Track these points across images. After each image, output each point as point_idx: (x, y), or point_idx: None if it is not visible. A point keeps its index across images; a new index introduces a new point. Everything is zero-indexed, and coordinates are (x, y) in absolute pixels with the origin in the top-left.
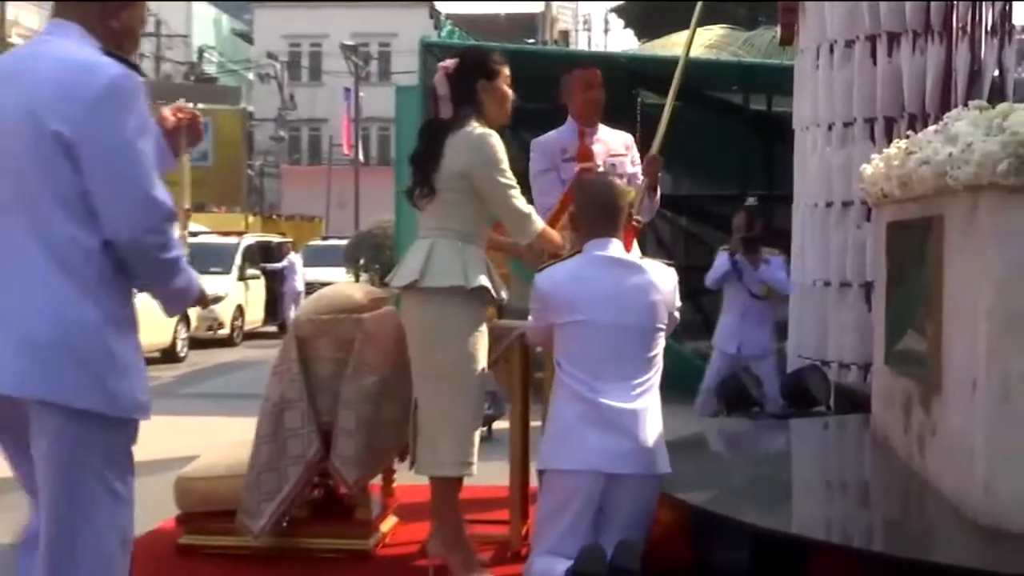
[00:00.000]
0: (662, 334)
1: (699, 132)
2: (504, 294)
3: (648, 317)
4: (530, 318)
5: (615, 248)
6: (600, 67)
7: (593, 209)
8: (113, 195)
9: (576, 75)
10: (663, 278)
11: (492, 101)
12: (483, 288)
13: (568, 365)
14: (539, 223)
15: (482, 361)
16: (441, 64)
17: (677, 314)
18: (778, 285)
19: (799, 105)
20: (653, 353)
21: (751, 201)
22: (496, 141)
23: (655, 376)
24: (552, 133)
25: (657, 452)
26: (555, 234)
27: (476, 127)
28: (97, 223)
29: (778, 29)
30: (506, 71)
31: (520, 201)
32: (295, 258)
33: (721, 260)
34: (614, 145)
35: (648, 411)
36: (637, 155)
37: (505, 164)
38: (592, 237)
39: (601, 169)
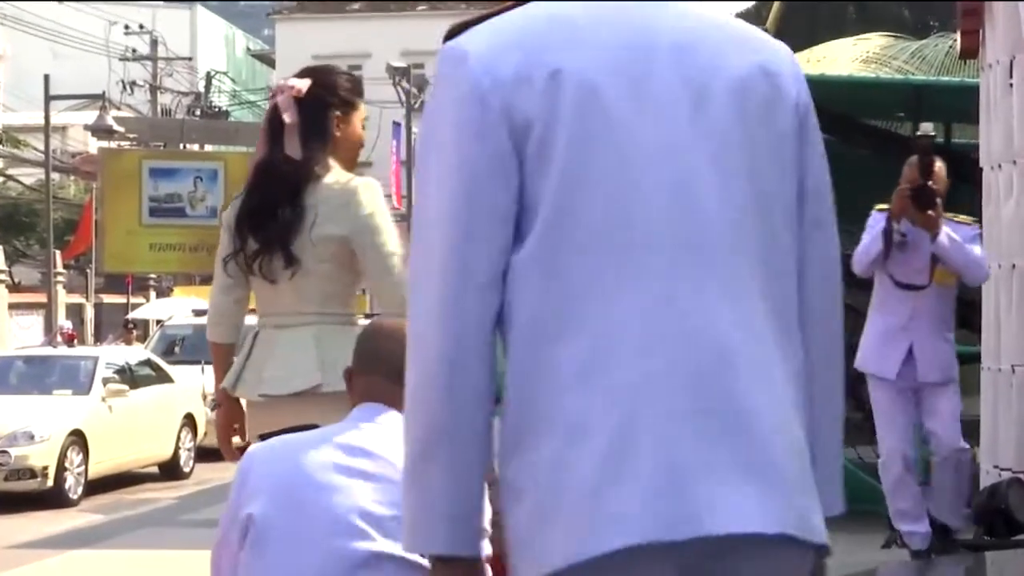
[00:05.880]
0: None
1: (855, 172)
2: None
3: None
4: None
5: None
6: None
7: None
8: None
9: None
10: None
11: (347, 142)
12: None
13: None
14: None
15: None
16: (283, 83)
17: None
18: (961, 265)
19: (988, 136)
20: None
21: (927, 128)
22: (381, 195)
23: None
24: None
25: None
26: None
27: (351, 175)
28: None
29: (957, 37)
30: (363, 107)
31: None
32: None
33: (875, 222)
34: None
35: None
36: None
37: (394, 230)
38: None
39: None
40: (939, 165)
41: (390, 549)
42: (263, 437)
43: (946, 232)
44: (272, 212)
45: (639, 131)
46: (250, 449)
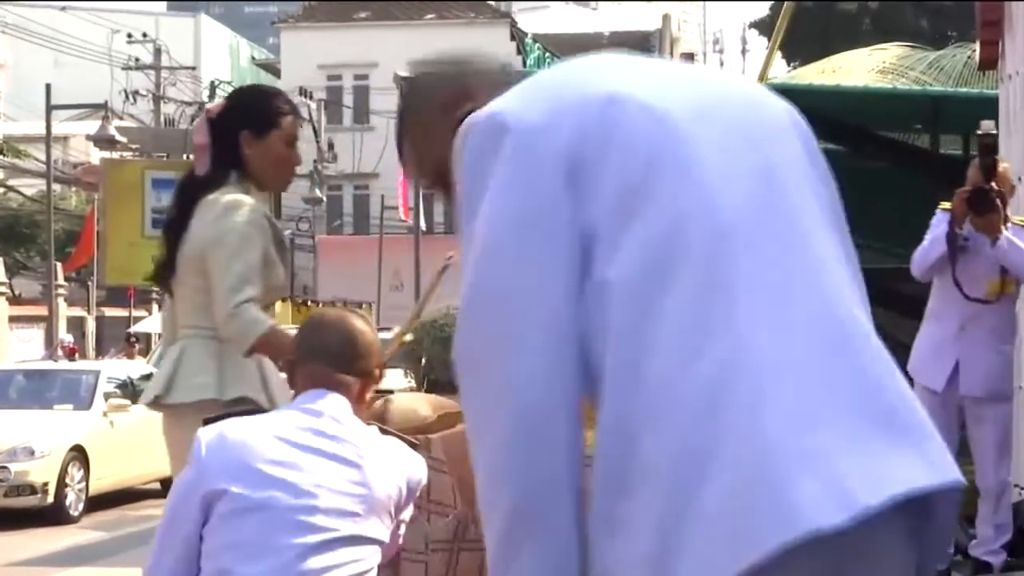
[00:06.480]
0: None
1: (872, 186)
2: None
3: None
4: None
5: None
6: None
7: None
8: None
9: None
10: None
11: (263, 162)
12: (244, 400)
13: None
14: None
15: None
16: (208, 105)
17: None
18: (1021, 268)
19: (1007, 148)
20: None
21: (988, 125)
22: (247, 215)
23: None
24: None
25: None
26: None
27: (229, 193)
28: None
29: (976, 48)
30: (289, 125)
31: (240, 296)
32: None
33: (939, 221)
34: None
35: None
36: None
37: (248, 252)
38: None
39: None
40: (1004, 166)
41: (357, 528)
42: (207, 421)
43: (1006, 236)
44: (173, 229)
45: (705, 138)
46: (200, 431)
